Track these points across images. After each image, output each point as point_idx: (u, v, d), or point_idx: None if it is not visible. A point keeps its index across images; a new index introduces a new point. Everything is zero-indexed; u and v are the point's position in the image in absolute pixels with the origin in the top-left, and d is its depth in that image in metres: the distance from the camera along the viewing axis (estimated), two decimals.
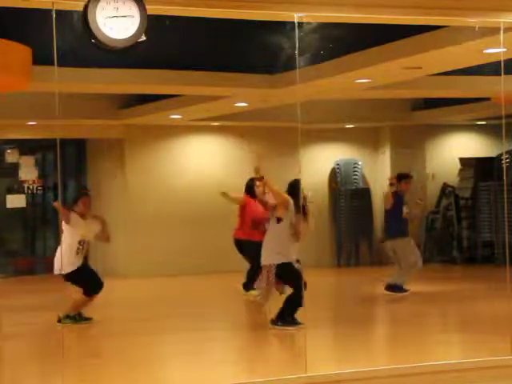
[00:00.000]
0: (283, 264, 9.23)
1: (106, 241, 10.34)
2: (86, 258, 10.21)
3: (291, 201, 9.30)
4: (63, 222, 9.77)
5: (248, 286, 12.35)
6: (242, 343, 9.30)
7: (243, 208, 12.21)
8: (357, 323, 9.98)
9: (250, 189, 12.00)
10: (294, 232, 9.29)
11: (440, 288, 13.13)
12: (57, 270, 9.88)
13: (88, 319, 10.13)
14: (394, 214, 12.27)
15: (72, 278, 9.75)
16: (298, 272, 9.21)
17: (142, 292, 13.85)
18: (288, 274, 9.27)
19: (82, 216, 9.95)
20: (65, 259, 9.69)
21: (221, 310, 11.39)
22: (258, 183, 11.58)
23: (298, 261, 9.33)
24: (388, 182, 12.61)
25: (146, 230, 15.71)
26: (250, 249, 11.83)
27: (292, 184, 9.44)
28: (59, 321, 9.88)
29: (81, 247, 9.91)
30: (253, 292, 12.26)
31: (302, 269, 9.19)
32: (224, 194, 12.29)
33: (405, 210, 12.30)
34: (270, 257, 9.34)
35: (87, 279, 9.98)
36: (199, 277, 15.05)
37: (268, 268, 9.32)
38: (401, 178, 12.53)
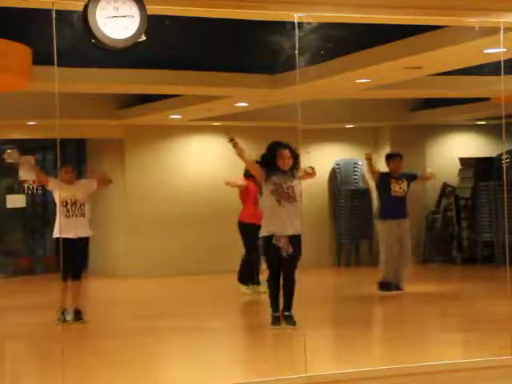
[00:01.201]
0: (266, 237, 9.12)
1: (108, 183, 10.68)
2: (84, 242, 10.20)
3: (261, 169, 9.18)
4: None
5: (243, 277, 12.41)
6: (241, 343, 9.30)
7: (246, 192, 12.32)
8: (357, 323, 9.98)
9: (246, 171, 12.06)
10: (278, 197, 9.09)
11: (440, 288, 13.13)
12: (55, 234, 9.99)
13: (82, 319, 10.10)
14: (384, 194, 12.27)
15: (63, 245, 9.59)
16: (273, 250, 9.04)
17: (142, 292, 13.86)
18: (265, 250, 9.18)
19: (65, 181, 10.13)
20: (58, 223, 9.89)
21: (221, 310, 11.39)
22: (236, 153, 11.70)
23: (294, 236, 9.07)
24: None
25: (146, 230, 15.71)
26: (251, 232, 11.90)
27: (269, 147, 9.36)
28: (59, 319, 9.90)
29: (65, 208, 10.00)
30: (247, 288, 12.32)
31: (298, 245, 9.00)
32: (228, 183, 12.39)
33: (397, 188, 12.21)
34: (261, 228, 9.26)
35: (72, 256, 9.87)
36: (199, 277, 15.05)
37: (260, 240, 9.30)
38: (388, 157, 12.52)
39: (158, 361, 7.88)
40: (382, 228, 12.30)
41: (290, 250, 9.03)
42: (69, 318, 10.00)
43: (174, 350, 8.60)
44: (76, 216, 10.06)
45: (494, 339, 8.06)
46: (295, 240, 9.05)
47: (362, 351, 8.35)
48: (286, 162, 9.18)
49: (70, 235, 9.88)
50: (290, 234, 9.04)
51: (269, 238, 9.11)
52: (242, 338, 9.62)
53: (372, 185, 16.94)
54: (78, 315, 10.06)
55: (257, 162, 9.45)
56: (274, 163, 9.19)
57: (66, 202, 10.05)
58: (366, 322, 10.41)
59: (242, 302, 12.41)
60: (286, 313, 9.21)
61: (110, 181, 10.72)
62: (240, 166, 13.74)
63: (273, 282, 9.25)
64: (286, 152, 9.21)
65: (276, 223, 9.09)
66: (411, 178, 12.38)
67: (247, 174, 11.98)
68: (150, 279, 14.90)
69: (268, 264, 9.31)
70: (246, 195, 12.37)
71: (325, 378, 6.76)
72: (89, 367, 7.68)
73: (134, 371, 7.44)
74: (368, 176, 14.55)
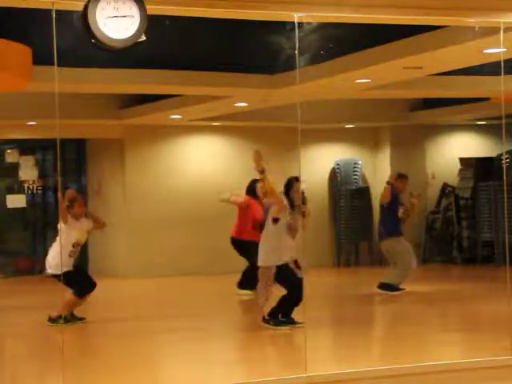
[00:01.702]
0: (279, 266, 9.25)
1: (103, 226, 10.64)
2: (75, 259, 10.21)
3: (285, 201, 9.32)
4: (60, 223, 9.75)
5: (243, 284, 12.43)
6: (241, 343, 9.30)
7: (245, 209, 12.26)
8: (357, 323, 9.98)
9: (252, 190, 12.06)
10: (289, 231, 9.29)
11: (440, 288, 13.13)
12: (48, 270, 9.90)
13: (82, 319, 10.11)
14: (389, 212, 12.33)
15: (65, 279, 9.61)
16: (293, 274, 9.21)
17: (142, 292, 13.86)
18: (283, 276, 9.28)
19: (77, 217, 9.99)
20: (57, 260, 9.70)
21: (220, 310, 11.39)
22: (260, 184, 11.73)
23: (296, 262, 9.33)
24: (387, 180, 12.68)
25: (146, 230, 15.71)
26: (251, 249, 11.90)
27: (287, 184, 9.47)
28: (50, 320, 9.87)
29: (74, 249, 9.94)
30: (246, 291, 12.33)
31: (303, 271, 9.18)
32: (224, 200, 12.37)
33: (401, 210, 12.33)
34: (266, 258, 9.36)
35: (80, 280, 9.97)
36: (199, 277, 15.05)
37: (265, 270, 9.33)
38: (398, 176, 12.61)
39: (157, 361, 7.88)
40: (401, 243, 12.32)
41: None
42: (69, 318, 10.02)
43: (173, 350, 8.60)
44: (74, 257, 10.05)
45: (494, 339, 8.06)
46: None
47: (362, 351, 8.35)
48: (298, 196, 9.37)
49: (68, 269, 9.89)
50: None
51: (285, 265, 9.25)
52: (241, 338, 9.61)
53: (372, 184, 17.01)
54: (73, 315, 10.07)
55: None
56: (289, 197, 9.37)
57: (78, 244, 9.99)
58: (365, 321, 10.41)
59: (241, 302, 12.41)
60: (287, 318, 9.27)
61: (104, 224, 10.69)
62: (240, 166, 13.80)
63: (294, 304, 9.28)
64: (298, 186, 9.38)
65: (289, 254, 9.28)
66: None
67: (252, 193, 12.05)
68: (150, 279, 14.90)
69: (290, 288, 9.30)
70: (247, 214, 12.34)
71: (325, 378, 6.76)
72: (89, 367, 7.68)
73: (134, 371, 7.44)
74: (368, 178, 14.58)
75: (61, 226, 9.69)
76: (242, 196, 12.39)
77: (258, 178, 12.20)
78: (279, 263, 9.29)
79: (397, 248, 12.20)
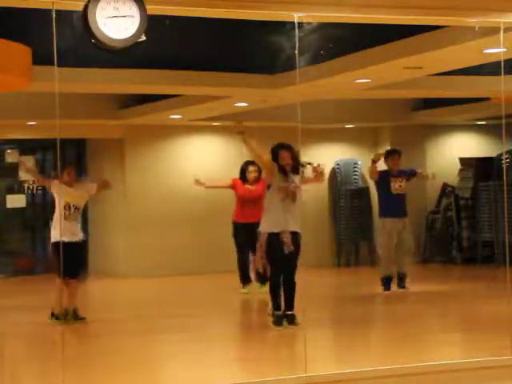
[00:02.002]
0: (269, 234, 9.18)
1: (108, 186, 11.03)
2: (82, 245, 10.37)
3: (274, 166, 9.26)
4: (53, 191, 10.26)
5: (244, 280, 12.56)
6: (241, 343, 9.30)
7: (235, 191, 12.56)
8: (357, 323, 9.98)
9: (242, 172, 12.62)
10: (282, 197, 9.18)
11: (440, 288, 13.13)
12: (55, 237, 9.96)
13: (82, 318, 10.12)
14: (383, 192, 12.32)
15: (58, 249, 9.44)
16: (275, 248, 9.08)
17: (142, 292, 13.86)
18: (267, 246, 9.19)
19: (67, 184, 10.22)
20: (57, 226, 9.97)
21: (220, 310, 11.39)
22: (251, 169, 12.09)
23: (294, 235, 9.13)
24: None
25: (146, 229, 15.71)
26: (239, 230, 12.28)
27: (272, 151, 9.42)
28: (53, 316, 9.92)
29: (67, 212, 10.07)
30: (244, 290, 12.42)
31: (298, 243, 9.08)
32: (198, 182, 12.61)
33: (394, 185, 12.23)
34: (262, 225, 9.32)
35: (70, 258, 9.89)
36: (199, 277, 15.05)
37: (261, 237, 9.31)
38: (387, 154, 12.54)
39: (157, 361, 7.88)
40: (381, 225, 12.34)
41: (292, 247, 9.07)
42: (69, 318, 10.01)
43: (173, 350, 8.60)
44: (72, 220, 10.12)
45: (494, 339, 8.06)
46: (296, 238, 9.13)
47: (362, 351, 8.36)
48: (287, 162, 9.25)
49: (70, 238, 9.92)
50: (293, 230, 9.13)
51: (273, 235, 9.14)
52: (241, 338, 9.62)
53: (372, 184, 16.99)
54: (76, 314, 10.07)
55: None
56: (278, 164, 9.28)
57: (69, 207, 10.12)
58: (365, 321, 10.41)
59: (241, 302, 12.41)
60: (289, 312, 9.22)
61: (109, 185, 11.00)
62: (238, 167, 13.73)
63: (275, 280, 9.27)
64: (286, 153, 9.30)
65: (280, 220, 9.14)
66: (409, 174, 12.42)
67: (243, 176, 12.46)
68: (150, 279, 14.90)
69: (271, 261, 9.31)
70: (236, 196, 12.65)
71: (325, 378, 6.76)
72: (89, 367, 7.68)
73: (134, 371, 7.44)
74: (367, 175, 14.55)
75: (53, 193, 10.27)
76: (225, 180, 12.71)
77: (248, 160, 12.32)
78: (269, 231, 9.22)
79: (380, 230, 12.26)
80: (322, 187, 16.88)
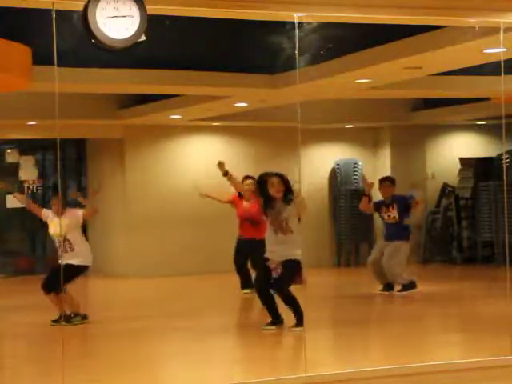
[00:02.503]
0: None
1: (95, 213, 10.93)
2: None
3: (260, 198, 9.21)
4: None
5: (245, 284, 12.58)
6: (241, 343, 9.30)
7: (235, 207, 12.52)
8: (357, 323, 9.98)
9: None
10: (276, 228, 9.10)
11: (440, 288, 13.13)
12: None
13: (85, 318, 10.14)
14: (381, 219, 12.45)
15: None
16: (262, 273, 9.22)
17: (142, 292, 13.86)
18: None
19: (55, 212, 10.28)
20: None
21: (220, 310, 11.39)
22: (248, 182, 12.06)
23: (288, 261, 9.05)
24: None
25: (146, 230, 15.71)
26: (241, 246, 12.28)
27: (257, 181, 9.34)
28: (62, 320, 9.92)
29: (58, 244, 10.07)
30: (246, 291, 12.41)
31: (291, 268, 9.04)
32: (199, 192, 12.64)
33: (386, 216, 12.24)
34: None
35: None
36: (199, 277, 15.05)
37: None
38: (380, 182, 12.54)
39: (157, 361, 7.88)
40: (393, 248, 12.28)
41: (279, 271, 9.06)
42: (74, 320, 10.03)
43: (173, 350, 8.60)
44: (66, 251, 10.05)
45: (494, 339, 8.05)
46: (288, 264, 9.02)
47: (361, 351, 8.36)
48: (276, 189, 9.08)
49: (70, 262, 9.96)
50: (283, 259, 9.04)
51: (265, 260, 9.19)
52: (241, 338, 9.62)
53: None
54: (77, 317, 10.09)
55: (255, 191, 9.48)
56: (267, 193, 9.13)
57: (53, 235, 10.25)
58: (365, 321, 10.41)
59: (241, 302, 12.41)
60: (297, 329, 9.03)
61: (97, 211, 10.93)
62: (238, 167, 13.77)
63: (261, 295, 9.27)
64: (276, 180, 9.11)
65: (272, 249, 9.12)
66: (404, 201, 12.26)
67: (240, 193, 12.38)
68: (150, 279, 14.90)
69: (256, 280, 9.54)
70: (237, 213, 12.58)
71: (325, 378, 6.75)
72: (89, 367, 7.68)
73: (134, 371, 7.44)
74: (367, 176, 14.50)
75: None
76: (226, 195, 12.61)
77: (252, 176, 12.43)
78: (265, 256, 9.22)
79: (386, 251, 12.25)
80: (322, 187, 16.90)
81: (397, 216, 12.15)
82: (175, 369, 7.78)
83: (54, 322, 9.94)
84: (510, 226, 13.44)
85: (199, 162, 16.25)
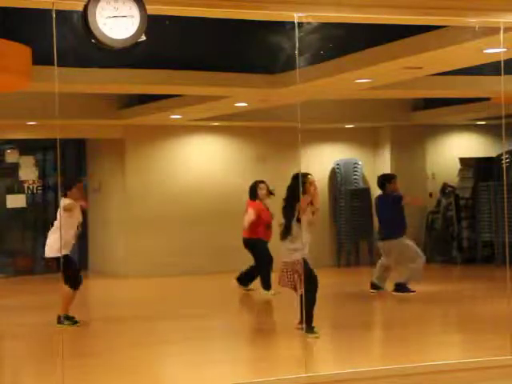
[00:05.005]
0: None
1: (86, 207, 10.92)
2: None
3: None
4: (61, 210, 9.84)
5: (244, 281, 12.60)
6: (241, 343, 9.30)
7: (260, 214, 12.51)
8: (357, 323, 9.98)
9: (253, 191, 12.59)
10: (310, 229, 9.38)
11: (440, 288, 13.14)
12: (50, 254, 10.04)
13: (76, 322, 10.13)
14: (383, 215, 12.45)
15: (65, 262, 9.62)
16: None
17: (142, 292, 13.86)
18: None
19: (76, 200, 10.18)
20: (62, 242, 9.85)
21: (221, 310, 11.39)
22: (261, 186, 12.13)
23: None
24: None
25: (146, 230, 15.71)
26: (259, 247, 12.38)
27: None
28: (59, 322, 9.88)
29: (78, 231, 10.18)
30: (266, 291, 12.39)
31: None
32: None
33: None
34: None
35: (74, 270, 10.01)
36: (199, 277, 15.05)
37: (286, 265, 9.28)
38: (390, 178, 12.71)
39: (158, 361, 7.88)
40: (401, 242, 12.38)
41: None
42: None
43: (174, 350, 8.60)
44: (74, 238, 10.18)
45: (494, 339, 8.06)
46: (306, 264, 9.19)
47: (362, 351, 8.36)
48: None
49: (68, 252, 10.04)
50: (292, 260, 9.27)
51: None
52: (242, 338, 9.62)
53: (372, 185, 17.00)
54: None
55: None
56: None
57: (80, 224, 10.26)
58: (366, 322, 10.41)
59: (242, 302, 12.42)
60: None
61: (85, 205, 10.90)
62: (240, 166, 13.79)
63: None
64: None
65: (283, 253, 9.39)
66: (396, 199, 12.47)
67: (253, 196, 12.52)
68: (149, 279, 14.90)
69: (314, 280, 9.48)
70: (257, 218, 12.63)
71: (325, 378, 6.76)
72: (89, 367, 7.68)
73: (134, 371, 7.45)
74: (368, 176, 14.55)
75: (63, 212, 9.80)
76: (250, 213, 12.53)
77: (257, 179, 12.54)
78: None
79: (396, 249, 12.30)
80: (322, 187, 16.90)
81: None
82: (175, 369, 7.79)
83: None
84: (509, 226, 13.44)
85: (199, 161, 16.26)
